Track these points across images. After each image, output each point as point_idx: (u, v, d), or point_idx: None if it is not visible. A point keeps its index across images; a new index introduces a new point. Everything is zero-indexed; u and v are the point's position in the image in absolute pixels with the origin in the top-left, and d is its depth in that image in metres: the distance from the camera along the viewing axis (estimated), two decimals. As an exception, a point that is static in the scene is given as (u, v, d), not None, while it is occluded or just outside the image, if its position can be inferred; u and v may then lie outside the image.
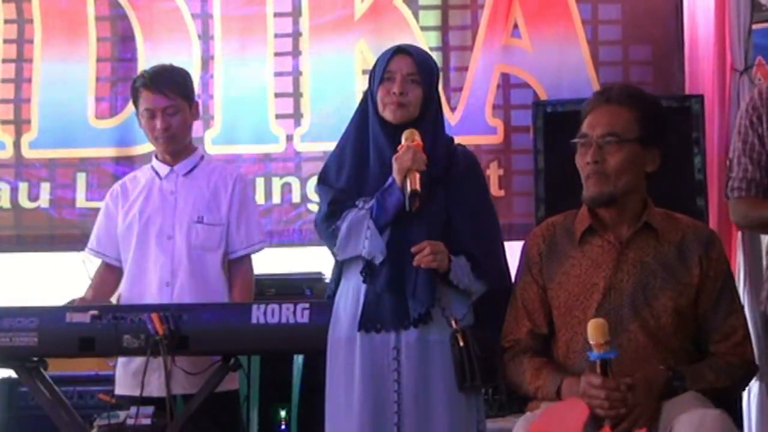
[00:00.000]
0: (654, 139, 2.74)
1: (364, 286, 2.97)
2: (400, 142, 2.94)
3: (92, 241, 3.70)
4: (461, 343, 2.86)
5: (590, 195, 2.73)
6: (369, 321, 2.94)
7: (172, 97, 3.54)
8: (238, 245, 3.62)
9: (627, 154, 2.70)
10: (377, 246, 2.91)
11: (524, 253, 2.88)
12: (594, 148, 2.70)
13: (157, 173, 3.65)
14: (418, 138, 2.91)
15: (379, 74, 3.00)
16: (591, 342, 2.49)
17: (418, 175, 2.86)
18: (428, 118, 3.03)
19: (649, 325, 2.65)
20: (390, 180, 2.92)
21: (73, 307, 3.32)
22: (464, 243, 2.94)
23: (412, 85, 2.98)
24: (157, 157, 3.68)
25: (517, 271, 2.91)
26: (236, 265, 3.63)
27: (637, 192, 2.76)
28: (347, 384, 2.95)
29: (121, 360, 3.52)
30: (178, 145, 3.61)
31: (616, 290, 2.70)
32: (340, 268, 3.07)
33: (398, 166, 2.88)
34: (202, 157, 3.72)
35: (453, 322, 2.90)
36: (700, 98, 4.29)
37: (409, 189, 2.85)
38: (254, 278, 3.70)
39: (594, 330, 2.49)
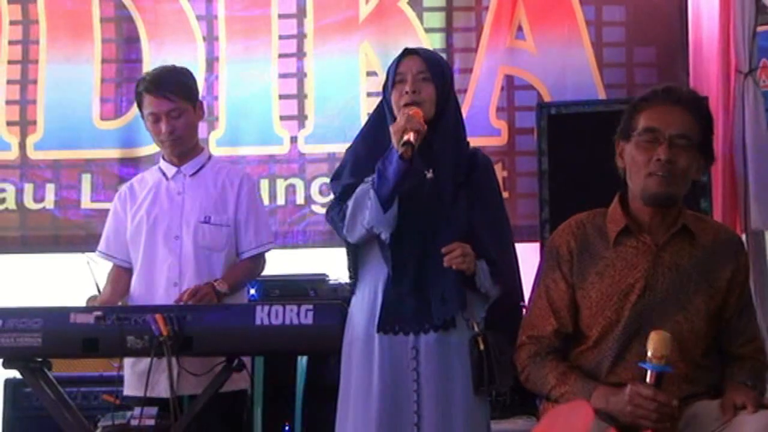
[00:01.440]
0: (707, 150, 2.75)
1: (381, 287, 2.96)
2: (420, 145, 2.92)
3: (102, 243, 3.71)
4: (481, 347, 2.87)
5: (654, 192, 2.67)
6: (388, 322, 2.94)
7: (175, 99, 3.54)
8: (248, 245, 3.62)
9: (692, 159, 2.69)
10: (377, 216, 2.89)
11: (553, 250, 2.84)
12: (666, 146, 2.65)
13: (164, 174, 3.66)
14: (417, 109, 2.91)
15: (391, 79, 3.02)
16: (650, 352, 2.48)
17: (412, 133, 2.84)
18: (447, 118, 3.03)
19: (682, 329, 2.64)
20: (390, 148, 2.91)
21: (77, 308, 3.32)
22: (485, 248, 2.95)
23: (423, 83, 2.99)
24: (164, 158, 3.69)
25: (542, 267, 2.88)
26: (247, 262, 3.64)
27: (681, 197, 2.75)
28: (365, 384, 2.94)
29: (128, 361, 3.53)
30: (184, 147, 3.62)
31: (651, 292, 2.69)
32: (355, 265, 3.06)
33: (394, 129, 2.88)
34: (209, 158, 3.73)
35: (475, 326, 2.91)
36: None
37: (403, 140, 2.84)
38: (261, 272, 3.70)
39: (659, 342, 2.48)
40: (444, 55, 4.61)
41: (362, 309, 3.00)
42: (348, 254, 3.09)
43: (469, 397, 2.90)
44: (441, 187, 2.97)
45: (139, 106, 3.64)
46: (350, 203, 2.95)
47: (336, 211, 3.03)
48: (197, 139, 3.75)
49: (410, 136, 2.83)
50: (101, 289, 3.85)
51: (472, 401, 2.91)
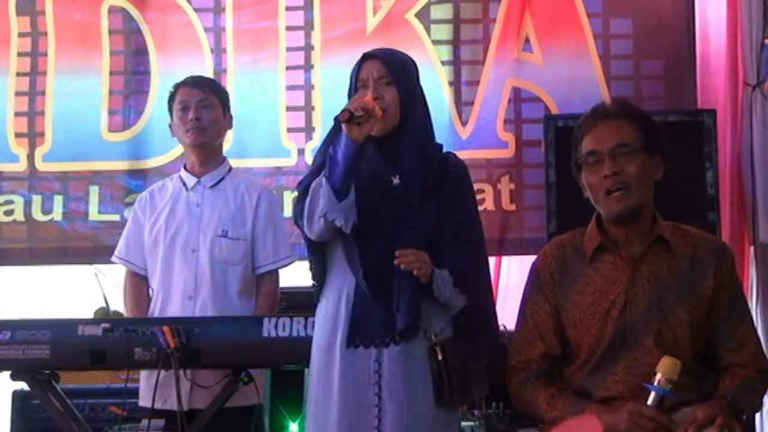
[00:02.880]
0: (655, 147, 2.75)
1: (345, 299, 2.88)
2: (387, 150, 2.90)
3: (120, 248, 3.72)
4: (439, 357, 2.82)
5: (617, 211, 2.70)
6: (355, 334, 2.85)
7: (207, 92, 3.65)
8: (263, 260, 3.64)
9: (640, 162, 2.70)
10: (330, 203, 2.80)
11: (535, 274, 2.86)
12: (609, 161, 2.69)
13: (184, 183, 3.67)
14: (369, 97, 2.84)
15: (353, 85, 2.96)
16: (659, 375, 2.51)
17: (355, 105, 2.79)
18: (414, 121, 2.95)
19: (666, 339, 2.65)
20: (339, 134, 2.85)
21: (86, 320, 3.34)
22: (448, 257, 2.87)
23: (386, 87, 2.91)
24: (185, 168, 3.70)
25: (526, 291, 2.88)
26: (261, 280, 3.65)
27: (649, 204, 2.76)
28: (326, 396, 2.87)
29: (143, 373, 3.54)
30: (206, 140, 3.63)
31: (632, 306, 2.70)
32: (319, 270, 2.98)
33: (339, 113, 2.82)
34: (230, 170, 3.75)
35: (432, 336, 2.84)
36: (713, 113, 4.27)
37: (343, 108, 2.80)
38: (279, 292, 3.71)
39: (670, 368, 2.50)
40: (451, 68, 4.68)
41: (325, 319, 2.92)
42: (310, 255, 2.98)
43: (433, 410, 2.83)
44: (408, 193, 2.90)
45: (170, 109, 3.68)
46: (307, 199, 2.87)
47: (298, 209, 2.94)
48: (221, 149, 3.77)
49: (351, 108, 2.78)
50: (108, 301, 3.86)
51: (436, 413, 2.83)
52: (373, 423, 2.81)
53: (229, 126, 3.81)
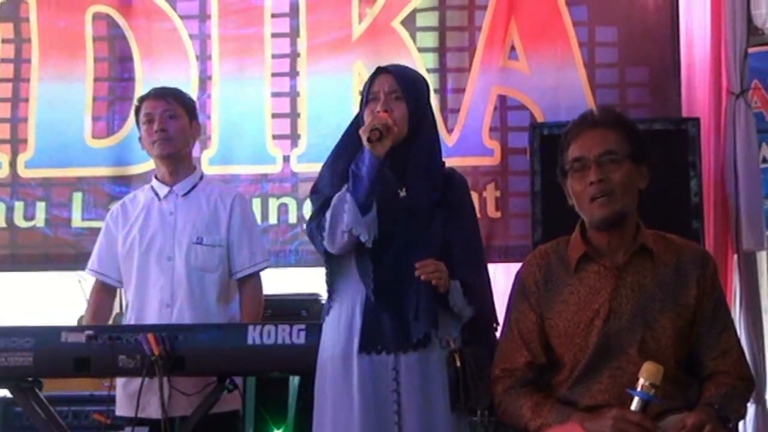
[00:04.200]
0: (641, 156, 2.77)
1: (359, 307, 2.97)
2: (389, 161, 2.96)
3: (93, 261, 3.74)
4: (458, 363, 2.89)
5: (600, 216, 2.71)
6: (369, 342, 2.94)
7: (171, 101, 3.66)
8: (241, 265, 3.66)
9: (626, 171, 2.72)
10: (356, 218, 2.91)
11: (520, 282, 2.88)
12: (595, 168, 2.71)
13: (156, 193, 3.69)
14: (383, 113, 2.95)
15: (365, 97, 3.05)
16: (642, 380, 2.52)
17: (379, 125, 2.89)
18: (422, 136, 3.05)
19: (650, 348, 2.66)
20: (361, 150, 2.94)
21: (69, 327, 3.37)
22: (460, 269, 2.97)
23: (396, 102, 3.01)
24: (156, 177, 3.72)
25: (511, 300, 2.90)
26: (243, 285, 3.68)
27: (633, 212, 2.78)
28: (345, 404, 2.94)
29: (120, 381, 3.55)
30: (174, 149, 3.65)
31: (616, 315, 2.71)
32: (332, 283, 3.06)
33: (362, 130, 2.93)
34: (201, 177, 3.77)
35: (451, 343, 2.92)
36: (697, 121, 4.30)
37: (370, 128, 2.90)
38: (263, 296, 3.73)
39: (653, 373, 2.52)
40: (437, 75, 4.69)
41: (338, 328, 2.99)
42: (326, 269, 3.08)
43: (447, 414, 2.91)
44: (415, 206, 3.00)
45: (137, 120, 3.70)
46: (328, 213, 2.96)
47: (315, 223, 3.05)
48: (190, 158, 3.78)
49: (376, 124, 2.89)
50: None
51: (450, 418, 2.92)
52: (394, 429, 2.90)
53: (197, 134, 3.83)
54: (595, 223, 2.73)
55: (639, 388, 2.52)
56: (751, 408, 4.04)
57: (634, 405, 2.52)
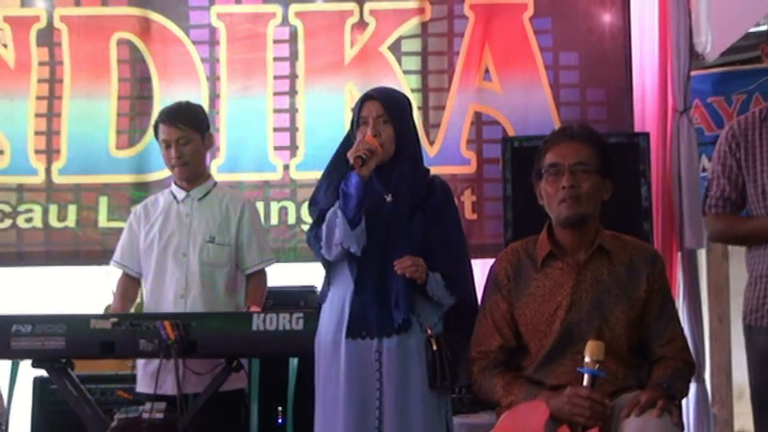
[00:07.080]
0: (608, 171, 2.85)
1: (349, 296, 3.03)
2: (378, 173, 3.04)
3: (117, 254, 3.80)
4: (434, 347, 2.95)
5: (566, 216, 2.77)
6: (355, 328, 3.00)
7: (183, 128, 3.67)
8: (251, 261, 3.71)
9: (594, 182, 2.79)
10: (346, 233, 2.95)
11: (493, 276, 2.93)
12: (568, 174, 2.77)
13: (175, 197, 3.76)
14: (369, 135, 3.02)
15: (356, 120, 3.12)
16: (587, 358, 2.57)
17: (362, 151, 2.95)
18: (406, 152, 3.12)
19: (605, 336, 2.71)
20: (349, 171, 3.00)
21: (96, 315, 3.39)
22: (440, 263, 3.04)
23: (384, 125, 3.08)
24: (175, 183, 3.79)
25: (485, 290, 2.95)
26: (251, 278, 3.73)
27: (595, 218, 2.85)
28: (333, 383, 3.01)
29: (140, 362, 3.62)
30: (191, 171, 3.71)
31: (576, 307, 2.77)
32: (328, 279, 3.15)
33: (349, 153, 2.99)
34: (215, 184, 3.83)
35: (428, 329, 2.99)
36: (647, 135, 4.33)
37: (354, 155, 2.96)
38: (266, 287, 3.76)
39: (594, 349, 2.57)
40: (420, 94, 4.69)
41: (330, 317, 3.06)
42: (325, 270, 3.16)
43: (426, 394, 2.96)
44: (398, 209, 3.05)
45: (156, 136, 3.76)
46: (324, 226, 3.03)
47: (313, 233, 3.12)
48: (205, 167, 3.83)
49: (360, 152, 2.96)
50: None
51: (428, 397, 2.97)
52: (375, 404, 2.96)
53: (211, 144, 3.87)
54: (561, 221, 2.80)
55: (585, 366, 2.59)
56: (692, 387, 4.11)
57: (585, 381, 2.59)
